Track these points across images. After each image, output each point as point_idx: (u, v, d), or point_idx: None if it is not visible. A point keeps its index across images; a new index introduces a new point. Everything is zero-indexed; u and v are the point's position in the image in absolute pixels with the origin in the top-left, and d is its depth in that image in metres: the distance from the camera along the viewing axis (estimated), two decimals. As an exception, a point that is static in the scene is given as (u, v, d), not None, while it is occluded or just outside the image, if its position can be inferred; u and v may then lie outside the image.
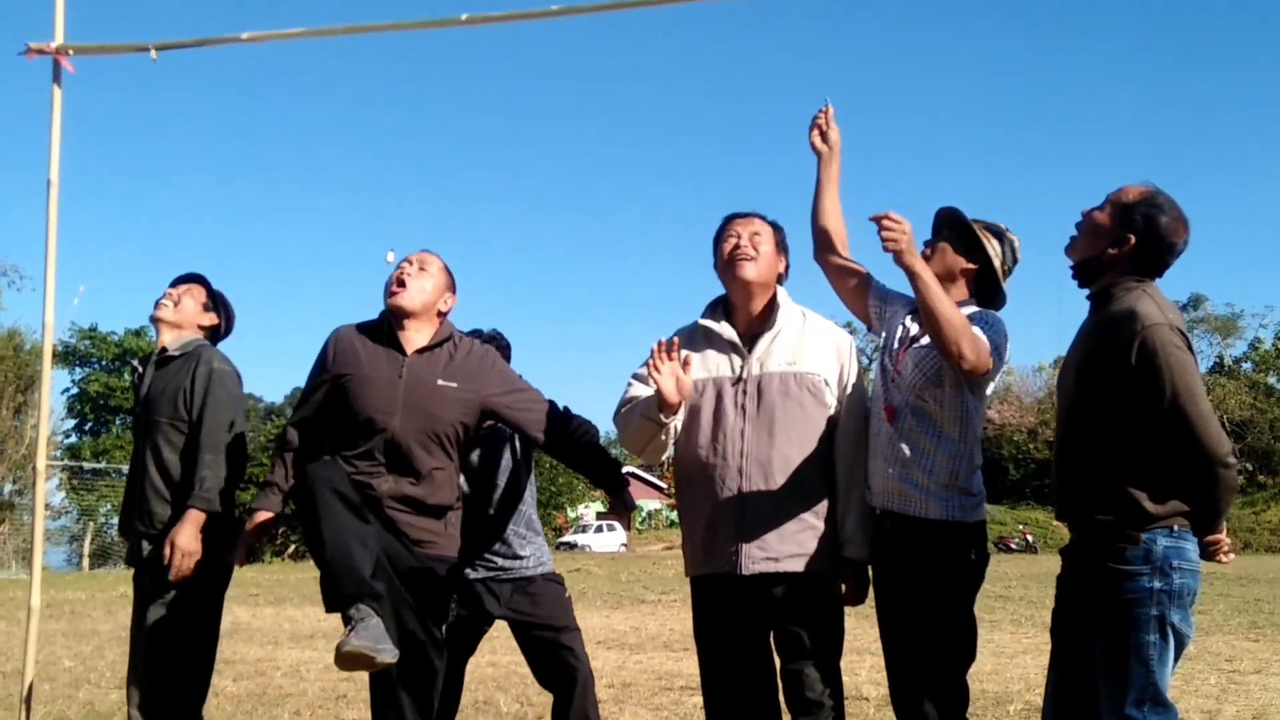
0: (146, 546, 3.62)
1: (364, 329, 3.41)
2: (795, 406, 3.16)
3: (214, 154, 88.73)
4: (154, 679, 3.56)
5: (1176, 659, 2.68)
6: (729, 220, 3.32)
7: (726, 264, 3.25)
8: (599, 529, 43.73)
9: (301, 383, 3.51)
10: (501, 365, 3.55)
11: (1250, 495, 45.09)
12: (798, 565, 3.09)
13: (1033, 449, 48.48)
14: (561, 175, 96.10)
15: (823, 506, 3.15)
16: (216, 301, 3.94)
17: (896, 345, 3.18)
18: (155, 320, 3.84)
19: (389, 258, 3.44)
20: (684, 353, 3.09)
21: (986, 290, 3.24)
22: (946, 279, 3.18)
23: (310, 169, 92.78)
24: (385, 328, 3.38)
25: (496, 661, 7.61)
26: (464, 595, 3.88)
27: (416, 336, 3.37)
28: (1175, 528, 2.68)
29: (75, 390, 50.68)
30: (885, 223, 2.92)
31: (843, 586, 3.19)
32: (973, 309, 3.16)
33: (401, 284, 3.36)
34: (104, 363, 51.05)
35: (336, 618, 2.99)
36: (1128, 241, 2.77)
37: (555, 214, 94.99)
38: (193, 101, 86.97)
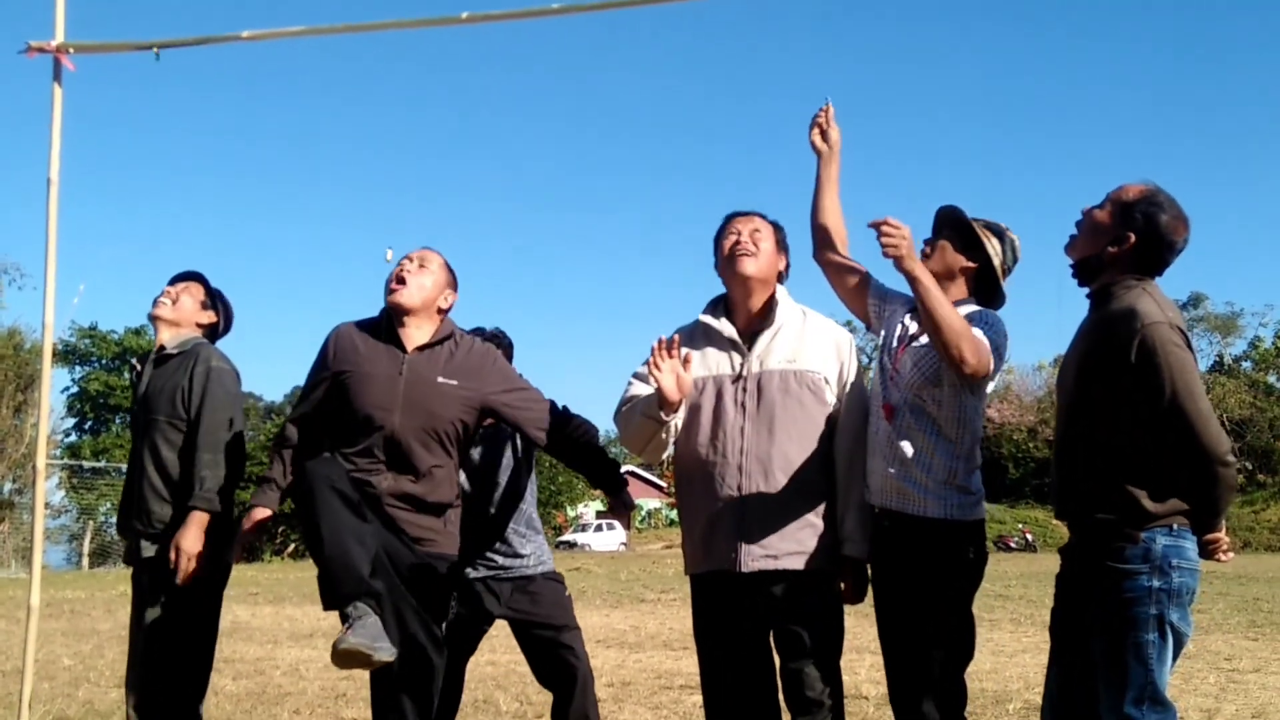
0: (145, 545, 3.62)
1: (364, 326, 3.41)
2: (795, 404, 3.16)
3: (214, 152, 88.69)
4: (153, 678, 3.56)
5: (1175, 658, 2.69)
6: (730, 218, 3.33)
7: (727, 260, 3.26)
8: (599, 528, 43.75)
9: (301, 381, 3.50)
10: (502, 363, 3.55)
11: (1250, 494, 45.10)
12: (797, 563, 3.09)
13: (1032, 448, 48.46)
14: (561, 174, 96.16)
15: (822, 505, 3.15)
16: (215, 299, 3.93)
17: (895, 344, 3.18)
18: (153, 318, 3.83)
19: (388, 256, 3.44)
20: (684, 351, 3.10)
21: (986, 289, 3.24)
22: (946, 277, 3.19)
23: (310, 167, 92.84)
24: (386, 325, 3.38)
25: (496, 660, 7.62)
26: (464, 594, 3.88)
27: (417, 334, 3.37)
28: (1174, 526, 2.68)
29: (75, 389, 50.76)
30: (884, 229, 2.92)
31: (842, 585, 3.19)
32: (972, 307, 3.16)
33: (401, 281, 3.35)
34: (104, 361, 51.09)
35: (336, 616, 2.98)
36: (1128, 240, 2.77)
37: (556, 213, 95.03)
38: (193, 100, 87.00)
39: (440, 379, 3.31)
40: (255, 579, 19.65)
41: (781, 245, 3.34)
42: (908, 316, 3.19)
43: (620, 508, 3.59)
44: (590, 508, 46.65)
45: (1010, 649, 8.63)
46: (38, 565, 3.89)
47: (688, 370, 3.08)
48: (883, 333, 3.28)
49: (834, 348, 3.26)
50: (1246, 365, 54.79)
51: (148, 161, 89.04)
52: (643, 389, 3.22)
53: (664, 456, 3.30)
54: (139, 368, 3.86)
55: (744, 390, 3.18)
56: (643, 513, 50.20)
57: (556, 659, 3.97)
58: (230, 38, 3.84)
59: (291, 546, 33.21)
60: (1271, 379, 53.02)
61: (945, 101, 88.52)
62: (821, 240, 3.42)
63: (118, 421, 48.88)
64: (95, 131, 71.50)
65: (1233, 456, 2.69)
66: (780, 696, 3.16)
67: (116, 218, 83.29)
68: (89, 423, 51.38)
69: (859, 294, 3.38)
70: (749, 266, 3.22)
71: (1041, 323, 67.29)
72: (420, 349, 3.35)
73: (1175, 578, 2.65)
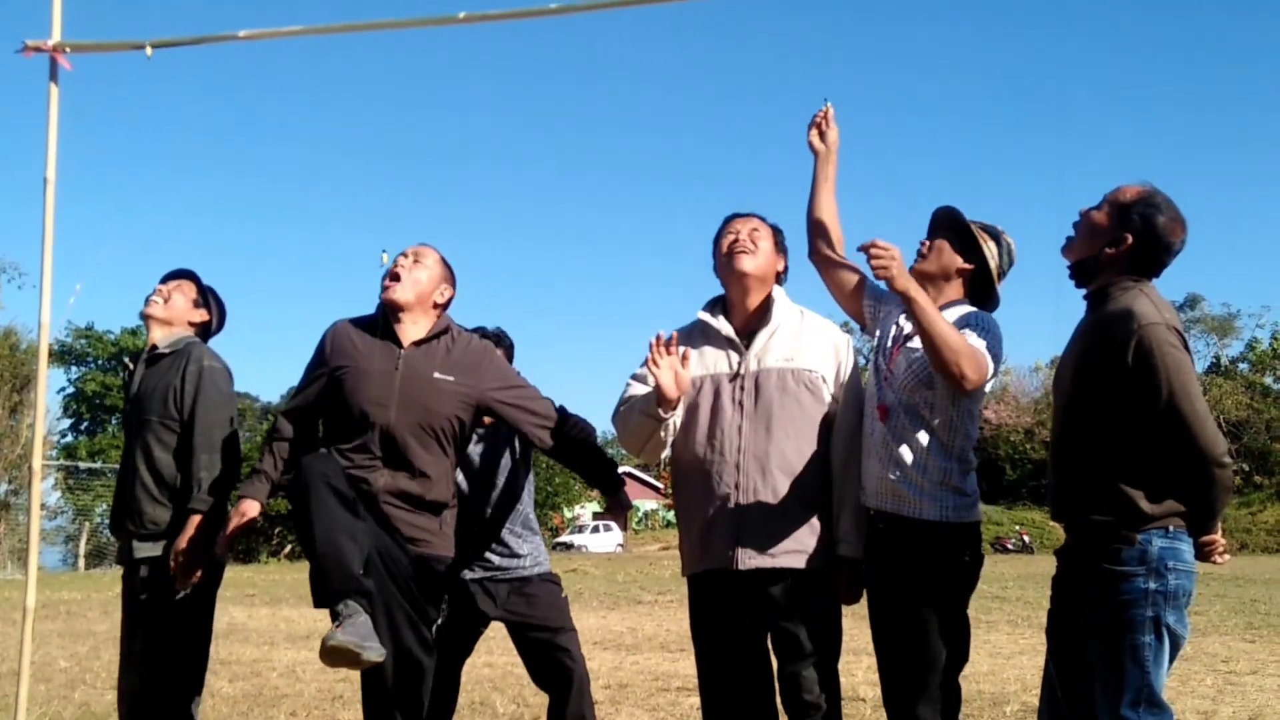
0: (137, 545, 3.61)
1: (361, 323, 3.41)
2: (793, 403, 3.16)
3: (212, 151, 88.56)
4: (147, 679, 3.55)
5: (1172, 660, 2.69)
6: (729, 219, 3.35)
7: (725, 258, 3.26)
8: (595, 529, 43.77)
9: (298, 382, 3.50)
10: (500, 361, 3.54)
11: (1246, 496, 45.14)
12: (794, 562, 3.09)
13: (1029, 449, 48.50)
14: (562, 174, 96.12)
15: (820, 503, 3.15)
16: (207, 297, 3.92)
17: (890, 344, 3.18)
18: (145, 317, 3.82)
19: (383, 259, 3.44)
20: (682, 348, 3.10)
21: (981, 291, 3.24)
22: (942, 278, 3.19)
23: (309, 167, 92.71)
24: (382, 321, 3.38)
25: (493, 662, 7.61)
26: (460, 596, 3.88)
27: (413, 329, 3.36)
28: (1170, 528, 2.68)
29: (71, 390, 50.70)
30: (873, 251, 2.92)
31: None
32: (967, 308, 3.16)
33: (396, 277, 3.36)
34: (100, 362, 51.03)
35: (331, 618, 2.98)
36: (1125, 241, 2.77)
37: (556, 212, 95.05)
38: (190, 98, 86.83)
39: (437, 374, 3.30)
40: (252, 580, 19.62)
41: (780, 246, 3.35)
42: (902, 317, 3.19)
43: (617, 507, 3.59)
44: (587, 509, 46.64)
45: (1007, 651, 8.63)
46: (33, 566, 3.88)
47: (685, 368, 3.09)
48: (877, 333, 3.29)
49: (831, 347, 3.26)
50: (1243, 367, 54.88)
51: (145, 161, 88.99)
52: (641, 390, 3.23)
53: (662, 456, 3.30)
54: (131, 367, 3.85)
55: (741, 389, 3.19)
56: (640, 514, 50.20)
57: (552, 661, 3.96)
58: (228, 37, 3.84)
59: (288, 548, 33.15)
60: (1268, 380, 53.09)
61: (945, 101, 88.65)
62: (816, 240, 3.42)
63: (114, 422, 48.80)
64: (92, 131, 71.48)
65: (1229, 458, 2.69)
66: (778, 699, 3.15)
67: (114, 217, 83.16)
68: (85, 423, 51.34)
69: (854, 295, 3.38)
70: (747, 264, 3.22)
71: (1038, 324, 67.37)
72: (417, 344, 3.34)
73: (1172, 580, 2.65)
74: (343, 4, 78.02)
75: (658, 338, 3.07)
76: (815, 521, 3.14)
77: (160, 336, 3.78)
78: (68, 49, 3.84)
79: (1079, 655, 2.77)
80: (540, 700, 4.58)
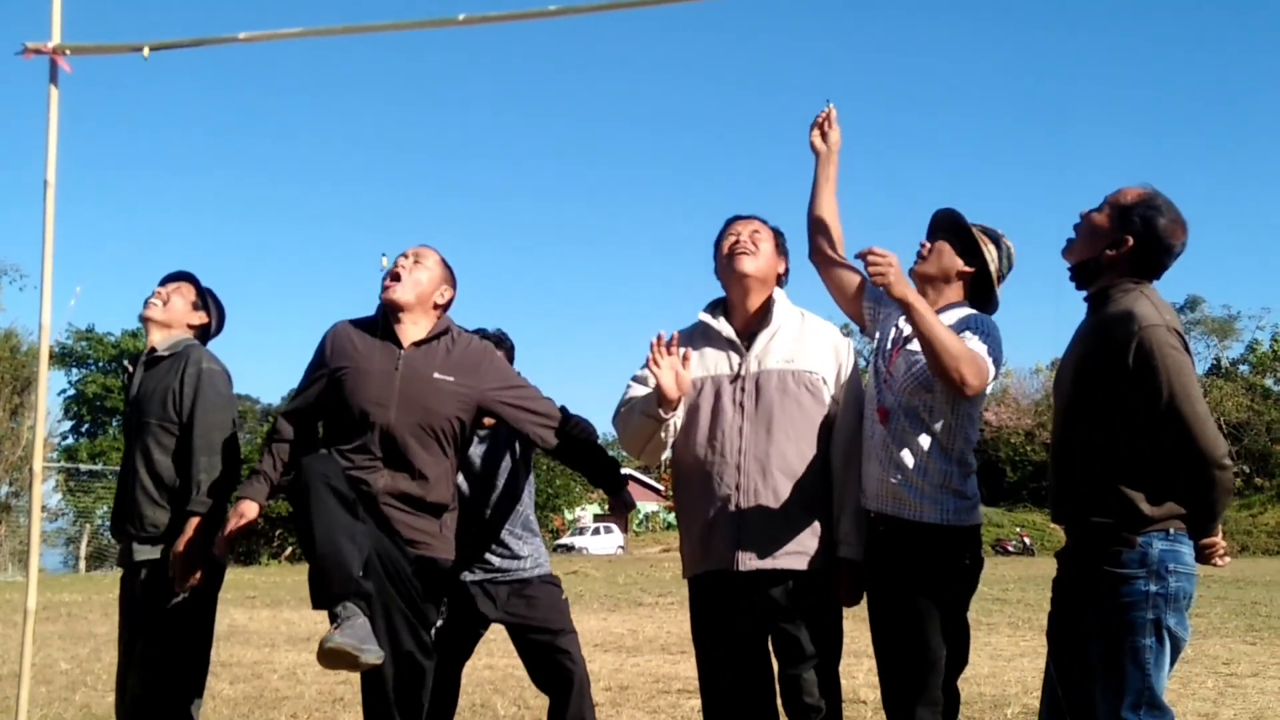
0: (138, 548, 3.61)
1: (361, 324, 3.42)
2: (793, 404, 3.16)
3: (212, 153, 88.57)
4: (147, 682, 3.54)
5: (1172, 662, 2.69)
6: (730, 221, 3.36)
7: (726, 259, 3.27)
8: (596, 531, 43.76)
9: (298, 383, 3.50)
10: (500, 361, 3.54)
11: (1247, 497, 45.16)
12: (794, 563, 3.09)
13: (1030, 451, 48.51)
14: (562, 174, 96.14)
15: (821, 505, 3.15)
16: (206, 300, 3.91)
17: (889, 346, 3.18)
18: (144, 319, 3.82)
19: (383, 262, 3.45)
20: (683, 349, 3.10)
21: (980, 294, 3.24)
22: (942, 280, 3.19)
23: (309, 167, 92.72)
24: (382, 322, 3.38)
25: (494, 664, 7.61)
26: (460, 598, 3.87)
27: (413, 329, 3.36)
28: (1171, 531, 2.68)
29: (72, 391, 50.62)
30: (870, 258, 2.92)
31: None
32: (967, 311, 3.16)
33: (396, 278, 3.36)
34: (101, 364, 50.98)
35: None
36: (1126, 243, 2.77)
37: (556, 212, 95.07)
38: (190, 100, 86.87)
39: (437, 375, 3.30)
40: (253, 582, 19.61)
41: (781, 249, 3.36)
42: (902, 319, 3.19)
43: (620, 507, 3.58)
44: (588, 511, 46.62)
45: (1008, 653, 8.62)
46: (34, 568, 3.88)
47: (686, 368, 3.09)
48: (877, 335, 3.29)
49: (832, 349, 3.26)
50: (1244, 368, 54.88)
51: (145, 162, 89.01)
52: (642, 391, 3.23)
53: (662, 458, 3.30)
54: (130, 370, 3.85)
55: (742, 390, 3.19)
56: (640, 516, 50.19)
57: (553, 663, 3.96)
58: (228, 39, 3.84)
59: (289, 550, 33.14)
60: (1269, 382, 53.11)
61: (945, 103, 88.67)
62: (817, 240, 3.42)
63: (115, 424, 48.73)
64: (93, 133, 71.52)
65: (1230, 460, 2.70)
66: (779, 701, 3.15)
67: (114, 219, 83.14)
68: (86, 425, 51.27)
69: (854, 297, 3.38)
70: (748, 265, 3.23)
71: (1039, 326, 67.40)
72: (417, 345, 3.34)
73: (1172, 582, 2.65)
74: (343, 6, 78.12)
75: (658, 338, 3.08)
76: (816, 523, 3.14)
77: (159, 339, 3.78)
78: (67, 51, 3.85)
79: (1079, 657, 2.77)
80: (541, 702, 4.58)
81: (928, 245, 3.24)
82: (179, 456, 3.61)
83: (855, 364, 3.33)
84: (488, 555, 3.94)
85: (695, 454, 3.21)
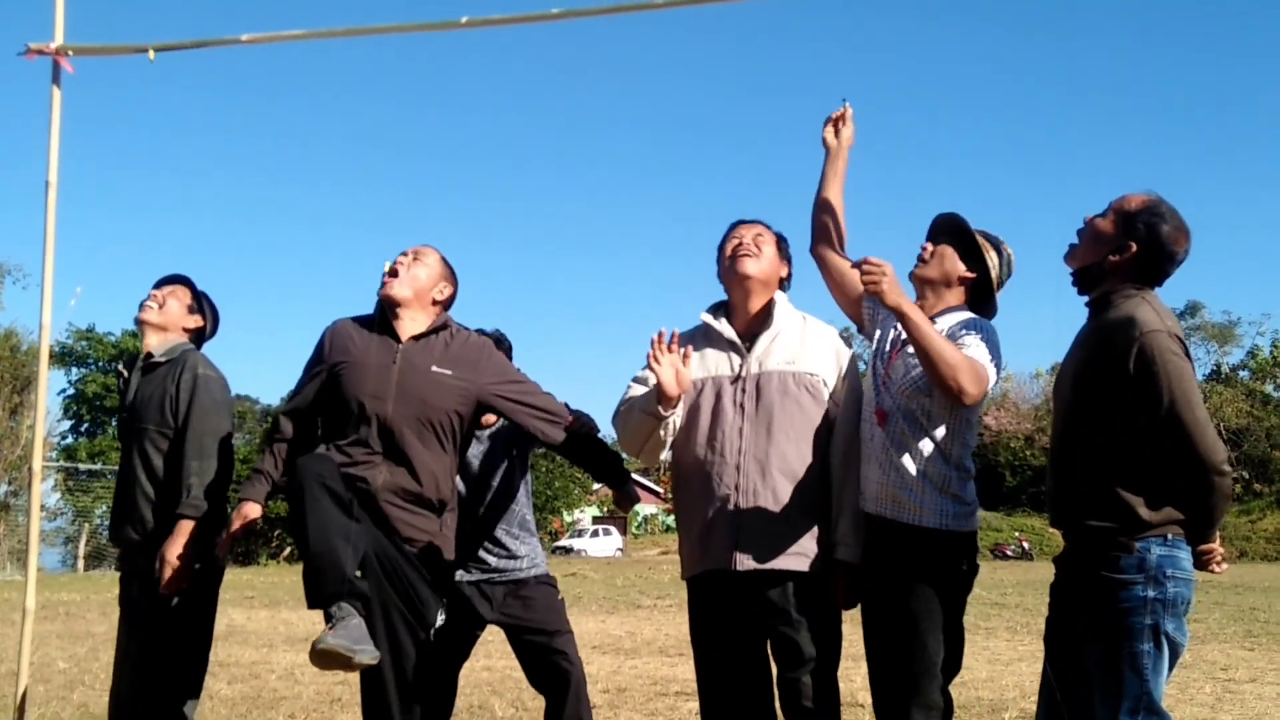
0: (137, 552, 3.61)
1: (360, 321, 3.42)
2: (794, 405, 3.16)
3: (213, 153, 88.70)
4: (142, 682, 3.54)
5: (1170, 668, 2.69)
6: (734, 225, 3.37)
7: (729, 261, 3.27)
8: (595, 533, 43.75)
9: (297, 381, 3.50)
10: (499, 357, 3.53)
11: (1246, 503, 45.13)
12: (793, 565, 3.09)
13: (1029, 455, 48.48)
14: (562, 174, 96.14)
15: (820, 507, 3.15)
16: (201, 302, 3.91)
17: (888, 348, 3.18)
18: (140, 323, 3.81)
19: (386, 267, 3.45)
20: (683, 347, 3.11)
21: (979, 300, 3.24)
22: (944, 284, 3.19)
23: (309, 168, 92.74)
24: (380, 318, 3.39)
25: (491, 666, 7.61)
26: (457, 600, 3.87)
27: (411, 325, 3.37)
28: (1169, 536, 2.68)
29: (72, 391, 50.65)
30: (865, 267, 2.92)
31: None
32: (966, 314, 3.16)
33: (394, 274, 3.37)
34: (100, 364, 50.98)
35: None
36: (1129, 249, 2.78)
37: (556, 212, 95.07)
38: (192, 101, 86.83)
39: (434, 368, 3.30)
40: (251, 583, 19.62)
41: (784, 254, 3.37)
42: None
43: (625, 500, 3.56)
44: (587, 513, 46.62)
45: (1006, 657, 8.62)
46: (33, 568, 3.88)
47: (686, 366, 3.09)
48: (876, 335, 3.28)
49: (833, 352, 3.27)
50: (1244, 374, 54.85)
51: (146, 163, 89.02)
52: (642, 391, 3.23)
53: (662, 457, 3.29)
54: (125, 374, 3.84)
55: (743, 391, 3.19)
56: (639, 518, 50.17)
57: (550, 664, 3.96)
58: (230, 41, 3.85)
59: (287, 550, 33.16)
60: (1269, 388, 53.09)
61: (946, 106, 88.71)
62: (820, 234, 3.43)
63: (114, 424, 48.72)
64: (94, 134, 71.55)
65: (1229, 465, 2.70)
66: (777, 705, 3.15)
67: (115, 219, 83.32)
68: (85, 425, 51.29)
69: (854, 297, 3.37)
70: (750, 267, 3.24)
71: (1039, 330, 67.38)
72: (415, 339, 3.35)
73: (1170, 588, 2.65)
74: (345, 7, 78.11)
75: (659, 335, 3.08)
76: (815, 524, 3.13)
77: (155, 343, 3.77)
78: (70, 52, 3.85)
79: (1077, 662, 2.77)
80: (538, 704, 4.57)
81: (929, 248, 3.23)
82: (173, 461, 3.61)
83: (855, 367, 3.34)
84: (484, 555, 3.94)
85: (695, 454, 3.21)
